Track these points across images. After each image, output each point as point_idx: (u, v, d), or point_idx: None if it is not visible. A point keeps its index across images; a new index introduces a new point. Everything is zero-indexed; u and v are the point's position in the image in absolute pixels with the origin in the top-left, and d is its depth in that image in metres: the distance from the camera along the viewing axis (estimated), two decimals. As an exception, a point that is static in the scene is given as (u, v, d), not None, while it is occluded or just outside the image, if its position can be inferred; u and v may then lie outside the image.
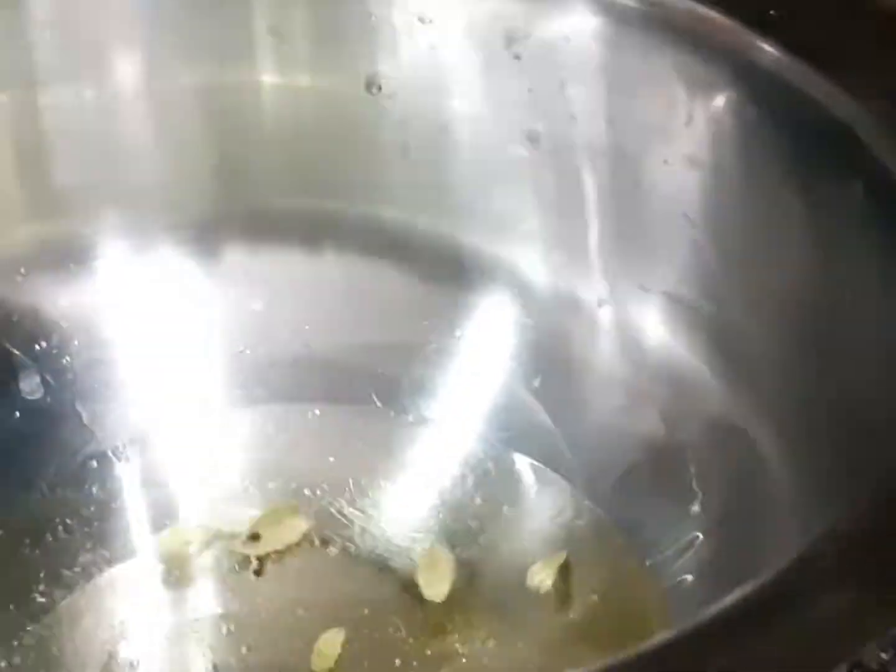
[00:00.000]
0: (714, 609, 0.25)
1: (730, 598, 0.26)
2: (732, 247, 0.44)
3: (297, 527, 0.47)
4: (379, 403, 0.51)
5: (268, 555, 0.47)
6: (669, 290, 0.46)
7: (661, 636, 0.25)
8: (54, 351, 0.51)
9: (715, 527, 0.43)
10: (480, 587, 0.46)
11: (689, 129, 0.44)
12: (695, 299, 0.45)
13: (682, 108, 0.44)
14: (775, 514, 0.40)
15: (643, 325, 0.47)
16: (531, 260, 0.50)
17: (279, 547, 0.47)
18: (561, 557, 0.46)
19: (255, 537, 0.47)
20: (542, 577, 0.46)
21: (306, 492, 0.49)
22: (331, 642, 0.44)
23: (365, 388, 0.51)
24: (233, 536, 0.47)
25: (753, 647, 0.24)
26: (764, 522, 0.41)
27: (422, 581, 0.46)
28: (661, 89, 0.45)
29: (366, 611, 0.45)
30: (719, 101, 0.43)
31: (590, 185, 0.47)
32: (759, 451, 0.42)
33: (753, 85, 0.42)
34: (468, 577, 0.46)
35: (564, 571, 0.46)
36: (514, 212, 0.50)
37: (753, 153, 0.42)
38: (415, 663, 0.43)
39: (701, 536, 0.44)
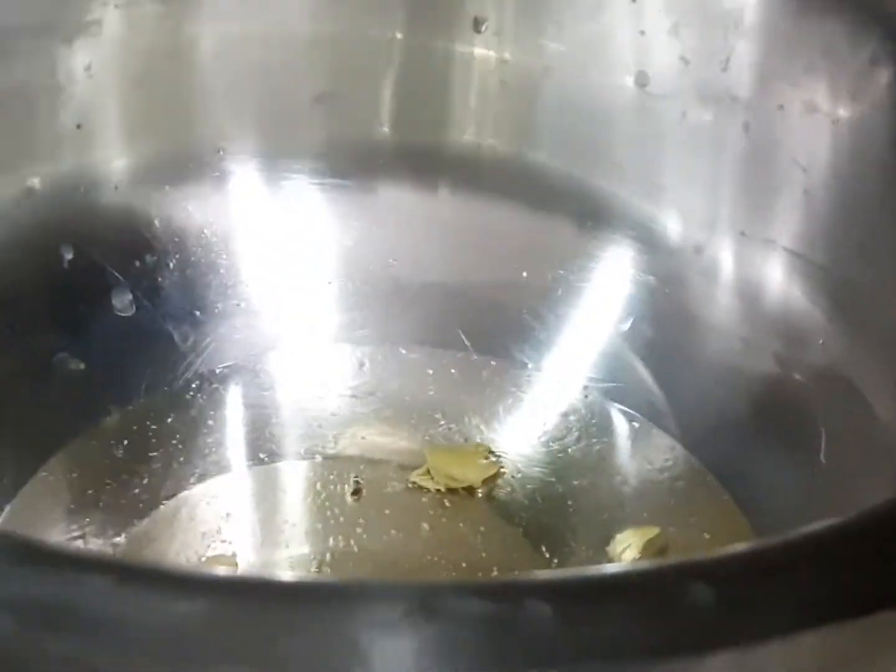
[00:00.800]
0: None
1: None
2: (846, 198, 0.45)
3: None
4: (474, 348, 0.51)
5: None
6: (785, 241, 0.46)
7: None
8: (148, 269, 0.51)
9: (832, 487, 0.43)
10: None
11: (807, 75, 0.45)
12: (811, 252, 0.45)
13: (803, 53, 0.45)
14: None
15: (761, 278, 0.47)
16: (651, 208, 0.50)
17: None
18: (651, 532, 0.44)
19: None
20: (624, 547, 0.44)
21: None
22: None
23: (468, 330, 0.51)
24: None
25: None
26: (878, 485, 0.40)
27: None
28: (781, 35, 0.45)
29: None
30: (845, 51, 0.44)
31: (705, 132, 0.48)
32: (875, 411, 0.42)
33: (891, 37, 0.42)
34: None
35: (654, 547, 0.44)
36: (631, 157, 0.50)
37: (877, 105, 0.43)
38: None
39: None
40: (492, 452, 0.47)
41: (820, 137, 0.44)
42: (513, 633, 0.20)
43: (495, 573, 0.43)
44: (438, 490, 0.46)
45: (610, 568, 0.22)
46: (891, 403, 0.42)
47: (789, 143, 0.45)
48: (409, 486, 0.46)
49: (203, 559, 0.44)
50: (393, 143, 0.52)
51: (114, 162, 0.49)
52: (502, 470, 0.47)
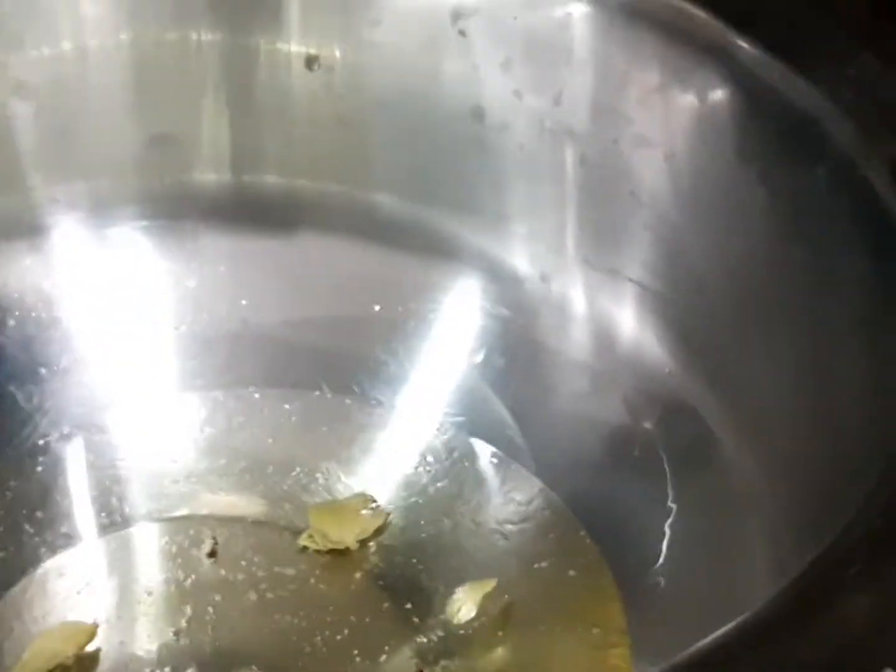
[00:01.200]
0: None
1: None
2: (685, 230, 0.45)
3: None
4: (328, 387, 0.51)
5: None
6: (629, 272, 0.46)
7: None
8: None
9: (685, 527, 0.43)
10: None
11: (641, 109, 0.44)
12: (653, 281, 0.46)
13: (633, 87, 0.44)
14: (746, 514, 0.41)
15: (608, 309, 0.47)
16: (495, 241, 0.50)
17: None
18: (488, 585, 0.44)
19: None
20: (460, 606, 0.44)
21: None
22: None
23: (321, 369, 0.51)
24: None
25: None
26: (736, 522, 0.41)
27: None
28: (613, 70, 0.45)
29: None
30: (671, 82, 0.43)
31: (544, 164, 0.47)
32: (726, 453, 0.42)
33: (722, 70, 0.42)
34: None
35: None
36: (473, 190, 0.49)
37: (711, 139, 0.43)
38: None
39: (669, 533, 0.43)
40: (374, 501, 0.47)
41: (655, 171, 0.44)
42: None
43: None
44: (318, 551, 0.45)
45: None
46: (733, 436, 0.42)
47: (626, 176, 0.45)
48: (300, 548, 0.46)
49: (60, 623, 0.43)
50: (229, 185, 0.51)
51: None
52: (389, 519, 0.46)
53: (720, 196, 0.43)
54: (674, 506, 0.43)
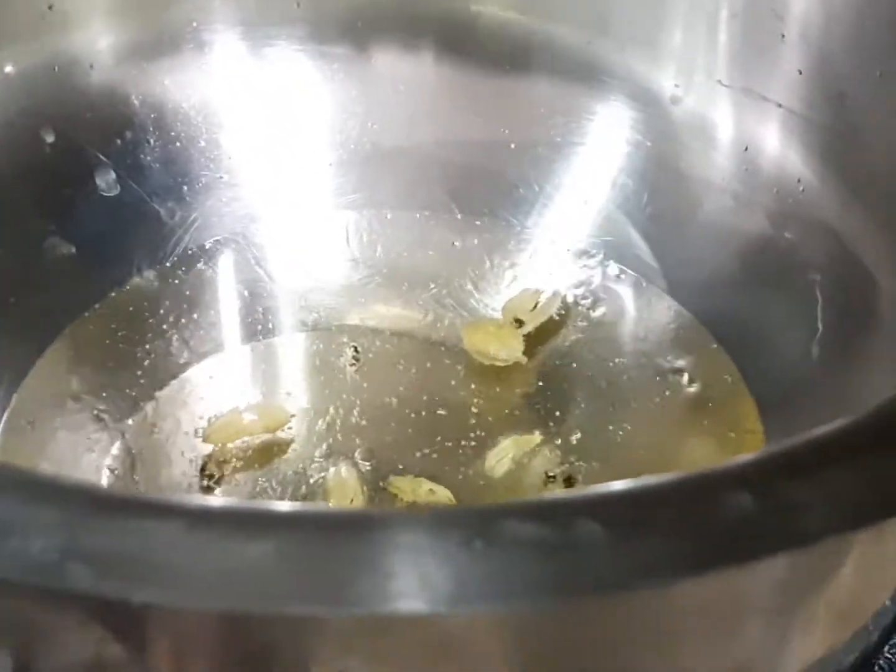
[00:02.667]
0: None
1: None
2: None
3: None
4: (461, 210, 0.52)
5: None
6: (776, 96, 0.46)
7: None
8: (129, 147, 0.50)
9: (826, 344, 0.43)
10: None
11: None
12: (801, 107, 0.45)
13: None
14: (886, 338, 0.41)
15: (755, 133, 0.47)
16: (644, 67, 0.49)
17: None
18: (532, 441, 0.44)
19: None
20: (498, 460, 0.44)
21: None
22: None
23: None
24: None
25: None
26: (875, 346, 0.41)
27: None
28: None
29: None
30: None
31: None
32: (870, 270, 0.42)
33: None
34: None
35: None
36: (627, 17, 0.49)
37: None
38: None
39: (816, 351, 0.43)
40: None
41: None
42: (567, 556, 0.21)
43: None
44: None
45: (651, 480, 0.22)
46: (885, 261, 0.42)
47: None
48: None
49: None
50: (385, 8, 0.51)
51: (87, 41, 0.49)
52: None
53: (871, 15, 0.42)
54: (820, 326, 0.44)
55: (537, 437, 0.44)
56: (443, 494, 0.42)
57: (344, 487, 0.43)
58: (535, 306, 0.48)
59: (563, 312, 0.48)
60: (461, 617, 0.21)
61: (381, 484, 0.43)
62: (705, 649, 0.26)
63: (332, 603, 0.21)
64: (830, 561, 0.24)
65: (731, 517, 0.22)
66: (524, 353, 0.46)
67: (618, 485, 0.23)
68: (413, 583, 0.21)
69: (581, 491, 0.23)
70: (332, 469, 0.43)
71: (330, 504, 0.42)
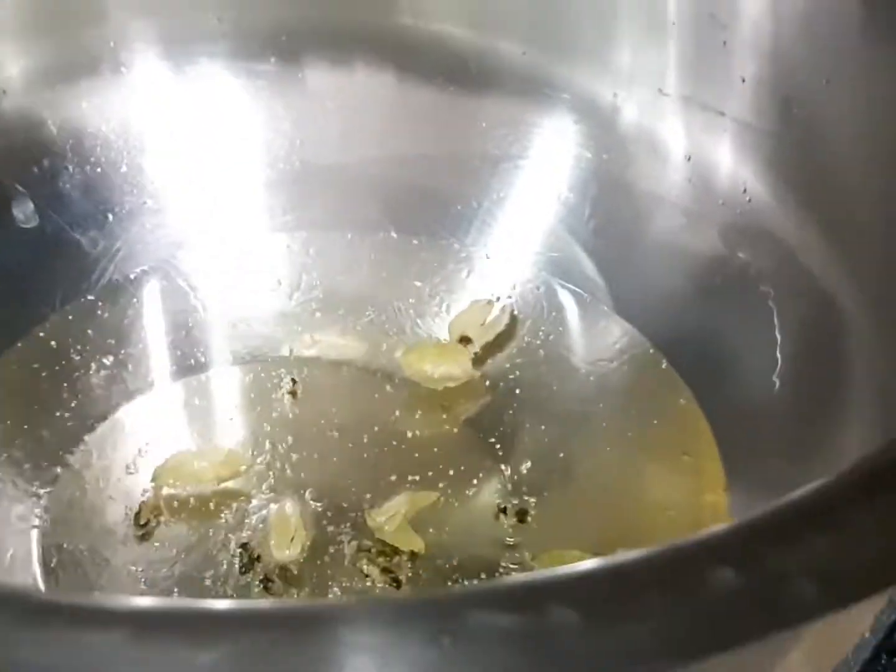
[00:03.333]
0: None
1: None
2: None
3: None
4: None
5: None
6: (722, 105, 0.45)
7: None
8: (48, 175, 0.48)
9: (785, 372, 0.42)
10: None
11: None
12: (744, 114, 0.44)
13: None
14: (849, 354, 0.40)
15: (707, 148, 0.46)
16: (588, 79, 0.48)
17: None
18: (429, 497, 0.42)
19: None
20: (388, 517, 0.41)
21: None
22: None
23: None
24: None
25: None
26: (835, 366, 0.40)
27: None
28: None
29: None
30: None
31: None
32: (823, 286, 0.41)
33: None
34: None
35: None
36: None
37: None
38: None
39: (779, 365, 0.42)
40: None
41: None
42: (541, 648, 0.20)
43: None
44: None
45: (626, 557, 0.21)
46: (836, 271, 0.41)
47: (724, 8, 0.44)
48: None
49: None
50: (312, 21, 0.49)
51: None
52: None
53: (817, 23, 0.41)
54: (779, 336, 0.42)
55: (433, 495, 0.42)
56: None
57: (286, 525, 0.41)
58: (485, 322, 0.46)
59: (509, 332, 0.46)
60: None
61: (322, 522, 0.41)
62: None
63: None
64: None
65: (715, 596, 0.21)
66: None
67: (590, 563, 0.21)
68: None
69: (551, 572, 0.21)
70: (273, 506, 0.41)
71: (272, 543, 0.40)
